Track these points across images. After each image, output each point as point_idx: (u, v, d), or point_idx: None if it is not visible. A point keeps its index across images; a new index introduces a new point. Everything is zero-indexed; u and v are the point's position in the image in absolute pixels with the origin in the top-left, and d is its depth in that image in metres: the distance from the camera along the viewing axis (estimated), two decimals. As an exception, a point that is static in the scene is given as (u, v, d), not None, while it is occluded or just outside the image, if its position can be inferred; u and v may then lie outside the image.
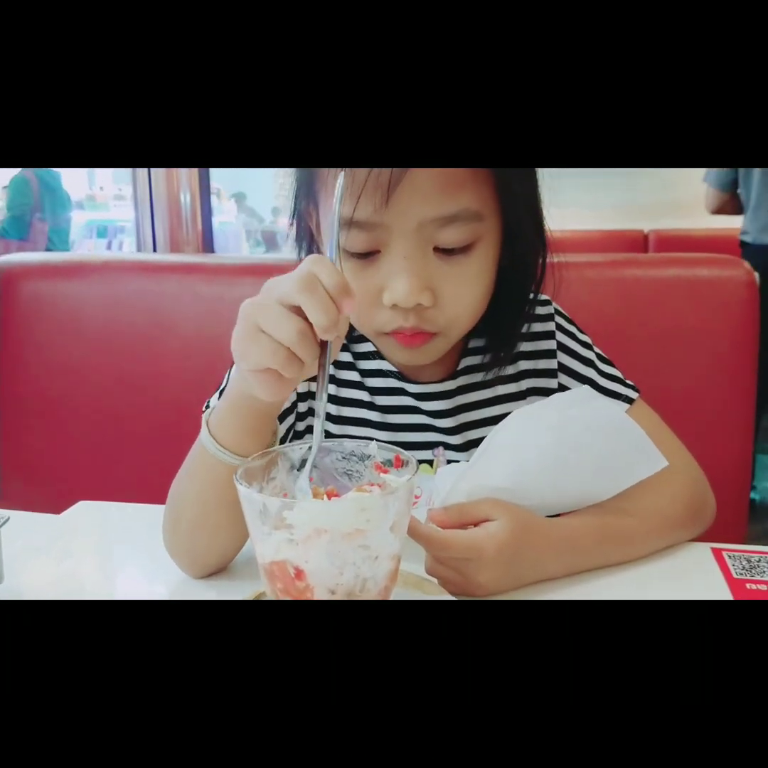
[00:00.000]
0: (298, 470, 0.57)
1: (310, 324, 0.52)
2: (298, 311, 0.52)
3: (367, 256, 0.68)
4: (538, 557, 0.64)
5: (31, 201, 4.66)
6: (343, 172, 0.57)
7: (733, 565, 0.68)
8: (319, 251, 0.80)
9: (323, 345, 0.54)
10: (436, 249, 0.67)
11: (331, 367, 0.80)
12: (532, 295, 0.77)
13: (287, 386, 0.56)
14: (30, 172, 4.61)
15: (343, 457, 0.57)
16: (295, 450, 0.57)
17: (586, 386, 0.71)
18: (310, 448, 0.56)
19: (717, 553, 0.71)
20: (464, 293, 0.70)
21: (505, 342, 0.79)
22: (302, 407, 0.80)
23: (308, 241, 0.79)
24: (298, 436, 0.80)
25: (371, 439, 0.61)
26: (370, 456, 0.56)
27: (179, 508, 0.68)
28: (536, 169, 0.73)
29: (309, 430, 0.81)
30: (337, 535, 0.47)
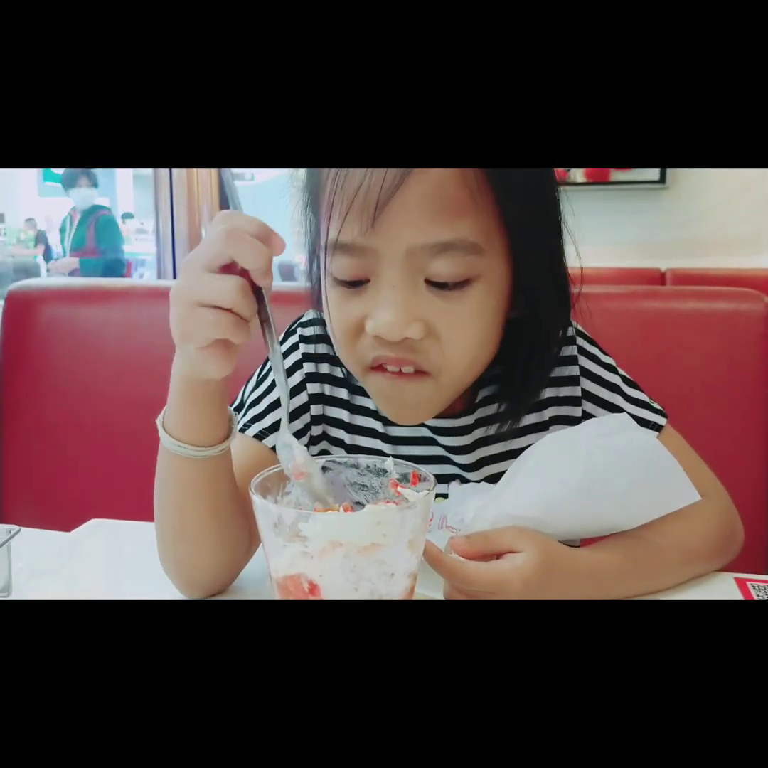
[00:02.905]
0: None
1: (242, 279, 0.53)
2: (226, 271, 0.54)
3: (355, 285, 0.64)
4: (563, 590, 0.62)
5: (123, 241, 4.68)
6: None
7: (758, 595, 0.66)
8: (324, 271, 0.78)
9: (259, 296, 0.55)
10: (429, 282, 0.62)
11: (346, 391, 0.79)
12: (554, 346, 0.73)
13: (234, 354, 0.57)
14: (107, 212, 4.62)
15: (359, 474, 0.56)
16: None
17: (625, 414, 0.67)
18: (327, 460, 0.56)
19: (741, 584, 0.69)
20: (459, 333, 0.64)
21: (523, 384, 0.74)
22: (316, 431, 0.79)
23: (316, 261, 0.76)
24: None
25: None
26: (386, 472, 0.56)
27: (160, 520, 0.66)
28: (562, 219, 0.68)
29: (323, 454, 0.80)
30: (353, 548, 0.46)
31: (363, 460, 0.56)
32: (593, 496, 0.63)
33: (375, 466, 0.56)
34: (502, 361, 0.72)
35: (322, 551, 0.46)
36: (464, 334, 0.64)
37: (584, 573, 0.63)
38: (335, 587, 0.47)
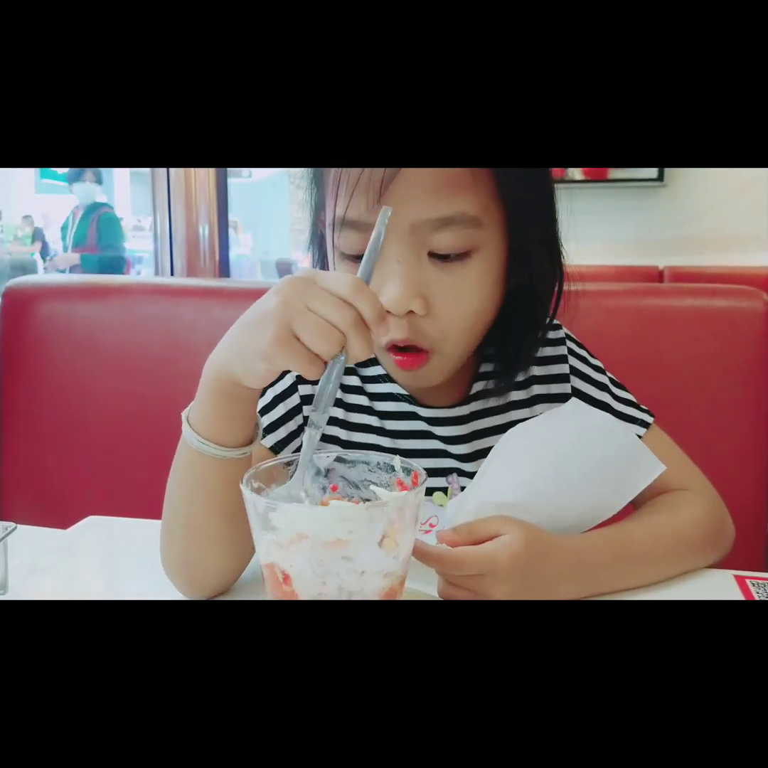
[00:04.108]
0: (323, 477, 0.57)
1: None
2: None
3: (361, 258, 0.65)
4: (551, 570, 0.63)
5: (124, 239, 4.63)
6: (387, 207, 0.57)
7: (758, 593, 0.66)
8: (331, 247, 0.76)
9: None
10: (432, 255, 0.65)
11: (339, 391, 0.79)
12: (545, 321, 0.76)
13: (273, 375, 0.57)
14: (109, 209, 4.59)
15: (369, 470, 0.57)
16: (322, 458, 0.57)
17: (574, 399, 0.70)
18: (338, 455, 0.57)
19: (740, 581, 0.69)
20: (458, 304, 0.67)
21: (515, 367, 0.77)
22: None
23: (317, 232, 0.77)
24: None
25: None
26: (394, 470, 0.56)
27: (170, 515, 0.65)
28: (555, 192, 0.71)
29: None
30: (318, 542, 0.47)
31: (374, 456, 0.57)
32: (564, 476, 0.65)
33: (385, 463, 0.56)
34: (496, 340, 0.75)
35: (291, 542, 0.47)
36: (463, 305, 0.67)
37: (571, 554, 0.64)
38: (304, 579, 0.47)
